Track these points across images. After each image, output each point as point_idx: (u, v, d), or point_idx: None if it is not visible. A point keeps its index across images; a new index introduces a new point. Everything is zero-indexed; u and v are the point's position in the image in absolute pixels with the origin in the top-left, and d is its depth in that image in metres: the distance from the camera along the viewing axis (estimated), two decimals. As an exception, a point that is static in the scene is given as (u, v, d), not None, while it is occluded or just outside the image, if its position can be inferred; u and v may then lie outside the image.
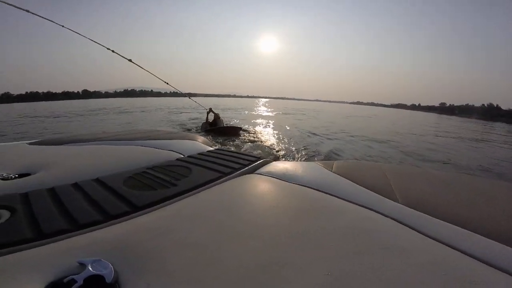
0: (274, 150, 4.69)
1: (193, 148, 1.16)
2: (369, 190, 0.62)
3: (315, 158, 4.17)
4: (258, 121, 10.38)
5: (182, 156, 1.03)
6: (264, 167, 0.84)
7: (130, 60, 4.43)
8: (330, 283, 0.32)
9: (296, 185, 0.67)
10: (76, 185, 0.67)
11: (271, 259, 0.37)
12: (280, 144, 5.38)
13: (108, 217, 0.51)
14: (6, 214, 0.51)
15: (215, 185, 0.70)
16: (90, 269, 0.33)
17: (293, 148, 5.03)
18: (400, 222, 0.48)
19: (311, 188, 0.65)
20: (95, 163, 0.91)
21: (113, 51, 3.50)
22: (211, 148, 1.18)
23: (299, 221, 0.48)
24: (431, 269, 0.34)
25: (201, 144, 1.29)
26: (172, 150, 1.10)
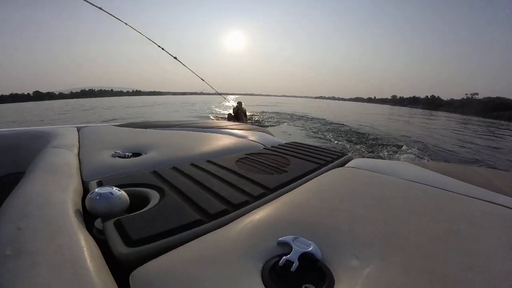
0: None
1: (270, 139, 1.16)
2: (479, 187, 0.57)
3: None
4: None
5: (265, 146, 1.02)
6: (353, 161, 0.81)
7: (175, 58, 4.52)
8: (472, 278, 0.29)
9: (400, 179, 0.63)
10: (194, 165, 0.68)
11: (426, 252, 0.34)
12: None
13: (252, 198, 0.50)
14: (155, 194, 0.49)
15: (320, 173, 0.68)
16: (296, 247, 0.32)
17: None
18: None
19: (416, 182, 0.60)
20: (201, 146, 0.92)
21: (162, 48, 3.56)
22: (285, 142, 1.14)
23: (422, 216, 0.44)
24: None
25: (272, 136, 1.30)
26: (255, 140, 1.10)
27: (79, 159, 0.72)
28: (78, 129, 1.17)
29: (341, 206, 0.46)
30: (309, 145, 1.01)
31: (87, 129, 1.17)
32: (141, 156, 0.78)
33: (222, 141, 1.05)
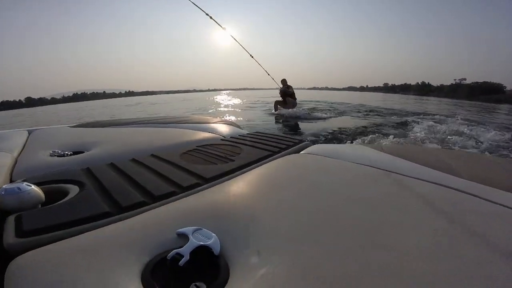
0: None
1: (232, 131, 1.17)
2: (430, 168, 0.58)
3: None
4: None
5: (224, 137, 1.02)
6: (309, 148, 0.82)
7: (251, 57, 4.71)
8: (414, 257, 0.29)
9: (351, 163, 0.63)
10: (134, 161, 0.67)
11: (365, 236, 0.33)
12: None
13: (181, 189, 0.49)
14: (75, 189, 0.49)
15: (269, 161, 0.68)
16: (194, 240, 0.30)
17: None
18: (477, 196, 0.43)
19: (368, 166, 0.60)
20: (148, 141, 0.92)
21: (211, 17, 3.86)
22: (247, 132, 1.19)
23: (373, 198, 0.44)
24: None
25: (238, 128, 1.29)
26: (212, 132, 1.10)
27: (16, 161, 0.73)
28: (30, 132, 1.16)
29: (276, 196, 0.45)
30: (271, 134, 1.01)
31: (38, 132, 1.18)
32: (81, 154, 0.78)
33: (177, 135, 1.03)
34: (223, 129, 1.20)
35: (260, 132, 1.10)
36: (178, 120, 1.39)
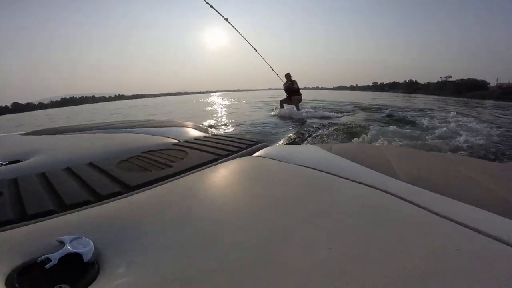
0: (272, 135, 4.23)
1: (190, 134, 1.15)
2: (370, 169, 0.60)
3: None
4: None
5: (179, 141, 1.01)
6: (262, 150, 0.82)
7: (255, 50, 4.81)
8: (334, 256, 0.30)
9: (294, 165, 0.64)
10: (68, 170, 0.67)
11: (270, 236, 0.35)
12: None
13: (98, 197, 0.49)
14: None
15: (211, 166, 0.68)
16: (69, 247, 0.31)
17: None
18: (404, 199, 0.44)
19: (310, 168, 0.62)
20: (88, 149, 0.91)
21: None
22: (208, 134, 1.17)
23: (299, 199, 0.45)
24: (441, 245, 0.32)
25: (198, 130, 1.28)
26: (168, 136, 1.08)
27: None
28: None
29: (189, 204, 0.44)
30: (228, 136, 0.99)
31: None
32: (16, 164, 0.76)
33: (125, 141, 1.00)
34: (182, 132, 1.18)
35: (218, 134, 1.13)
36: (136, 125, 1.36)
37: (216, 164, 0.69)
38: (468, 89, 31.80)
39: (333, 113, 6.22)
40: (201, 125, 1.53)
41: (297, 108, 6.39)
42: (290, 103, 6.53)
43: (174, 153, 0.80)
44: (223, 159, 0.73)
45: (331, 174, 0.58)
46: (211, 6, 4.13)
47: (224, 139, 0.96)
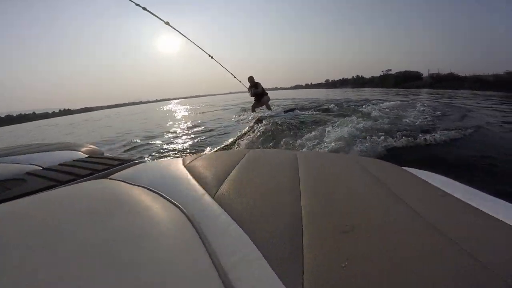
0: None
1: (62, 158, 1.08)
2: (197, 186, 0.61)
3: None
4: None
5: (40, 168, 0.96)
6: (128, 170, 0.83)
7: (211, 57, 4.53)
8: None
9: (136, 186, 0.64)
10: None
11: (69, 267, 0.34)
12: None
13: None
14: None
15: (39, 193, 0.66)
16: None
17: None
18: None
19: (145, 188, 0.62)
20: None
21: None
22: (84, 156, 1.11)
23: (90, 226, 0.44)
24: None
25: (79, 152, 1.19)
26: (34, 163, 1.00)
27: None
28: None
29: None
30: (99, 157, 0.95)
31: None
32: None
33: None
34: (51, 157, 1.10)
35: (94, 156, 1.04)
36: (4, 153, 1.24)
37: (50, 190, 0.68)
38: (405, 80, 35.09)
39: (304, 112, 6.64)
40: (95, 145, 1.36)
41: (268, 108, 6.63)
42: (261, 105, 6.74)
43: (7, 183, 0.76)
44: (62, 185, 0.72)
45: (157, 193, 0.58)
46: (144, 8, 3.26)
47: (89, 161, 0.95)
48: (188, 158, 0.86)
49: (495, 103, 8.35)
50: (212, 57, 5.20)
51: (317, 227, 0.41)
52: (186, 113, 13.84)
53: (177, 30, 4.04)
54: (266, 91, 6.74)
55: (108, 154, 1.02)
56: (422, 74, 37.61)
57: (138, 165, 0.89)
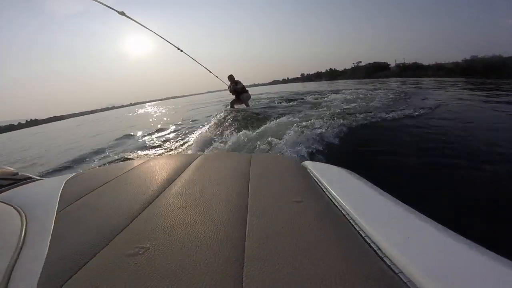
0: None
1: None
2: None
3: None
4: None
5: None
6: (24, 186, 0.86)
7: (180, 50, 4.49)
8: None
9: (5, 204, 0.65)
10: None
11: None
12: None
13: None
14: None
15: None
16: None
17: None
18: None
19: (10, 205, 0.63)
20: None
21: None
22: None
23: None
24: None
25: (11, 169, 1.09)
26: None
27: None
28: None
29: None
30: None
31: None
32: None
33: None
34: None
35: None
36: None
37: None
38: (375, 71, 36.73)
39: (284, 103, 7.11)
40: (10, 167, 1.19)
41: (247, 105, 6.64)
42: (240, 103, 6.71)
43: None
44: None
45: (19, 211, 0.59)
46: None
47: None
48: (126, 165, 0.91)
49: (452, 87, 9.50)
50: (181, 50, 5.04)
51: (258, 232, 0.42)
52: (156, 115, 13.50)
53: (134, 20, 3.77)
54: (247, 89, 6.78)
55: (24, 174, 1.03)
56: (389, 65, 39.61)
57: (28, 184, 0.90)
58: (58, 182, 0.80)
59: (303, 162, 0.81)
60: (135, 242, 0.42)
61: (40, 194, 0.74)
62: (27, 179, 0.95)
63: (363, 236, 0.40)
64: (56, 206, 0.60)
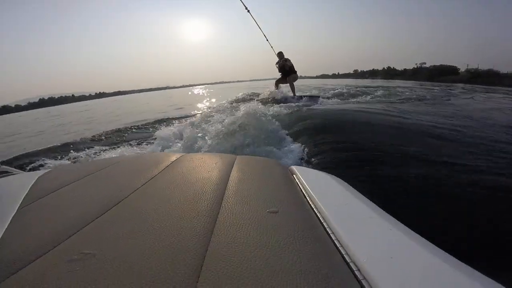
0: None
1: None
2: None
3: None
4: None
5: None
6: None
7: (247, 10, 4.95)
8: None
9: None
10: None
11: None
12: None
13: None
14: None
15: None
16: None
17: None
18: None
19: None
20: None
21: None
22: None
23: None
24: None
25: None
26: None
27: None
28: None
29: None
30: None
31: None
32: None
33: None
34: None
35: None
36: None
37: None
38: (440, 75, 33.75)
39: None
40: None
41: (293, 92, 6.02)
42: (285, 83, 6.23)
43: None
44: None
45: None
46: None
47: None
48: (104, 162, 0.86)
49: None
50: (248, 11, 5.28)
51: (226, 234, 0.41)
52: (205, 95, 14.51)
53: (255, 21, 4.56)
54: (296, 70, 6.19)
55: (3, 166, 1.03)
56: (459, 69, 35.86)
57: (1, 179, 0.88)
58: (30, 178, 0.78)
59: (290, 167, 0.78)
60: (82, 248, 0.39)
61: (6, 189, 0.73)
62: (3, 173, 0.91)
63: (338, 246, 0.38)
64: (19, 203, 0.57)
